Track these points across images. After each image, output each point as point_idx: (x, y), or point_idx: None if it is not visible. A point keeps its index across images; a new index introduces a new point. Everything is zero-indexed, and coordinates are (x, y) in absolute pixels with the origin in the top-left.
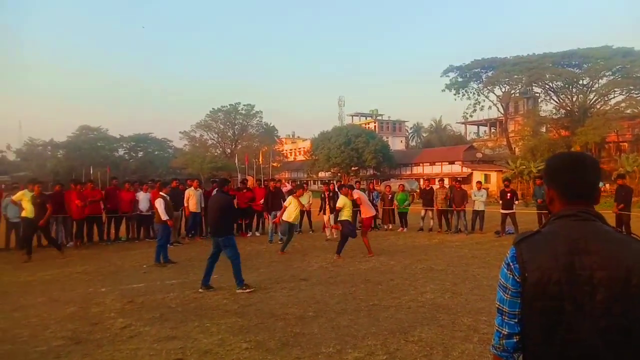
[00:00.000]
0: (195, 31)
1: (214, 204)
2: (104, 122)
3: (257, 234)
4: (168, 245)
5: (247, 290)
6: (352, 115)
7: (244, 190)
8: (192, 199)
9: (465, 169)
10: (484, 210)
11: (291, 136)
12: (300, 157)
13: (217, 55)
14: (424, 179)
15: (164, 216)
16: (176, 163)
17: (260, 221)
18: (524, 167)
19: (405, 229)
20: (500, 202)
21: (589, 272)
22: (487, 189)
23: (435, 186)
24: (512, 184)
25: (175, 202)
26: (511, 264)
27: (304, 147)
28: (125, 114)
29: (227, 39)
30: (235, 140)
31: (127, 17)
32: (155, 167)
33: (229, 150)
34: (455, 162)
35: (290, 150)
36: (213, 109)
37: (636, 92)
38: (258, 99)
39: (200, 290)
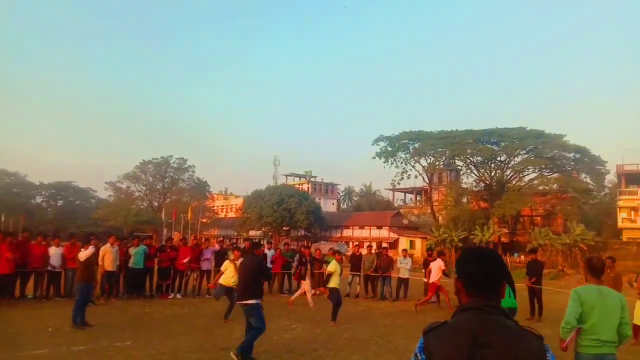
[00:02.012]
0: (136, 80)
1: (244, 268)
2: (23, 167)
3: (179, 295)
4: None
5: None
6: (287, 175)
7: (167, 249)
8: (107, 256)
9: (392, 234)
10: (408, 278)
11: (223, 192)
12: (231, 214)
13: (149, 107)
14: (353, 242)
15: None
16: (98, 214)
17: (183, 282)
18: (447, 235)
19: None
20: (424, 270)
21: None
22: (412, 255)
23: (364, 251)
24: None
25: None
26: (418, 354)
27: (236, 204)
28: (48, 159)
29: (160, 91)
30: (164, 193)
31: (61, 50)
32: (75, 218)
33: (156, 204)
34: (383, 227)
35: (222, 206)
36: (143, 160)
37: (547, 171)
38: (191, 153)
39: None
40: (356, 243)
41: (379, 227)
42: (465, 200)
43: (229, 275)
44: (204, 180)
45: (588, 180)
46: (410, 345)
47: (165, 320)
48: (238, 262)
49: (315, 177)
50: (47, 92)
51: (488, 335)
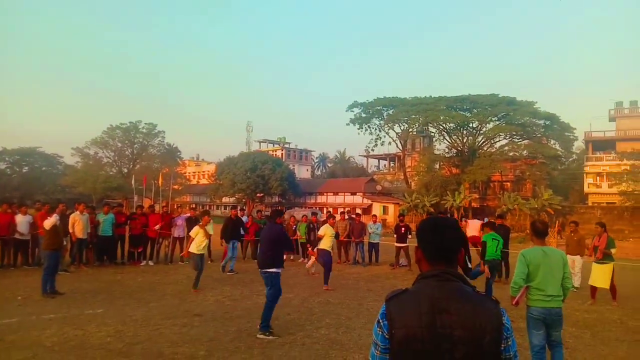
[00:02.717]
0: (103, 43)
1: (265, 236)
2: None
3: (151, 263)
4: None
5: (269, 337)
6: (260, 142)
7: (139, 216)
8: (77, 224)
9: (366, 200)
10: (378, 243)
11: (195, 159)
12: (204, 181)
13: (120, 72)
14: (327, 208)
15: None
16: (66, 181)
17: (155, 249)
18: (419, 200)
19: (306, 260)
20: (395, 235)
21: (449, 330)
22: (384, 220)
23: (337, 217)
24: (407, 217)
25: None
26: (381, 320)
27: (208, 171)
28: (11, 124)
29: (130, 56)
30: (134, 159)
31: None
32: (41, 185)
33: (125, 170)
34: (357, 193)
35: (194, 173)
36: (111, 125)
37: (517, 138)
38: (162, 117)
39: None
40: (328, 210)
41: (353, 194)
42: (437, 166)
43: (198, 241)
44: (174, 146)
45: (557, 146)
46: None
47: (138, 287)
48: (208, 228)
49: (289, 143)
50: (8, 55)
51: (447, 301)
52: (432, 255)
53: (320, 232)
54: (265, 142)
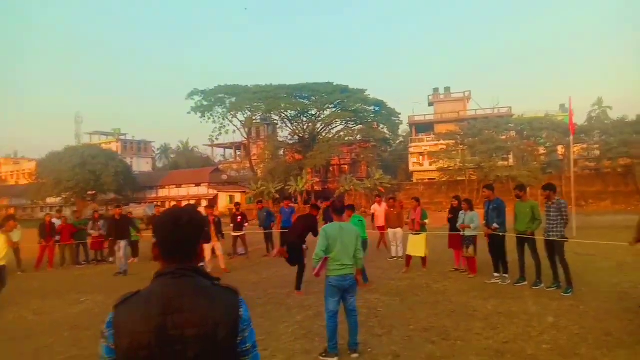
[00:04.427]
0: None
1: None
2: None
3: None
4: None
5: None
6: (91, 134)
7: None
8: None
9: (211, 191)
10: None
11: (13, 156)
12: (24, 181)
13: None
14: (169, 202)
15: None
16: None
17: None
18: (264, 187)
19: (136, 260)
20: (232, 225)
21: (180, 330)
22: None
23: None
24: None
25: None
26: (106, 331)
27: (29, 169)
28: None
29: None
30: None
31: None
32: None
33: None
34: (202, 184)
35: (12, 172)
36: None
37: (352, 123)
38: None
39: None
40: (174, 203)
41: (198, 185)
42: (281, 153)
43: None
44: None
45: (385, 130)
46: None
47: None
48: (13, 234)
49: (125, 134)
50: None
51: (180, 299)
52: (168, 251)
53: None
54: (97, 135)
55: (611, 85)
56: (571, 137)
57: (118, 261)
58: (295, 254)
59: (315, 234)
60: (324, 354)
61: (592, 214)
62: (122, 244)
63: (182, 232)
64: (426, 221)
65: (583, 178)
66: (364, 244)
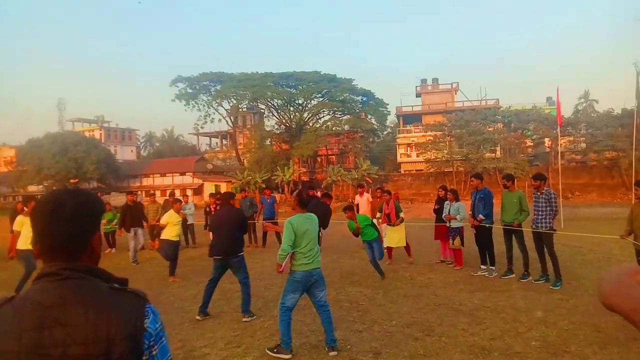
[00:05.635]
0: None
1: (225, 220)
2: None
3: None
4: None
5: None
6: (74, 121)
7: None
8: None
9: (196, 180)
10: (192, 224)
11: None
12: (3, 169)
13: None
14: (152, 191)
15: None
16: None
17: None
18: (251, 177)
19: (113, 250)
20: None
21: (62, 349)
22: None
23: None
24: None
25: None
26: None
27: (9, 156)
28: None
29: None
30: None
31: None
32: None
33: None
34: (187, 173)
35: None
36: None
37: (339, 113)
38: None
39: (198, 317)
40: (153, 192)
41: (182, 174)
42: (268, 142)
43: None
44: None
45: (373, 121)
46: (183, 294)
47: None
48: None
49: (109, 122)
50: None
51: (62, 308)
52: (49, 246)
53: (164, 219)
54: (79, 122)
55: (597, 79)
56: (558, 129)
57: (132, 250)
58: None
59: (325, 226)
60: (275, 350)
61: (579, 206)
62: (140, 231)
63: (65, 222)
64: (402, 215)
65: (569, 170)
66: (379, 247)
